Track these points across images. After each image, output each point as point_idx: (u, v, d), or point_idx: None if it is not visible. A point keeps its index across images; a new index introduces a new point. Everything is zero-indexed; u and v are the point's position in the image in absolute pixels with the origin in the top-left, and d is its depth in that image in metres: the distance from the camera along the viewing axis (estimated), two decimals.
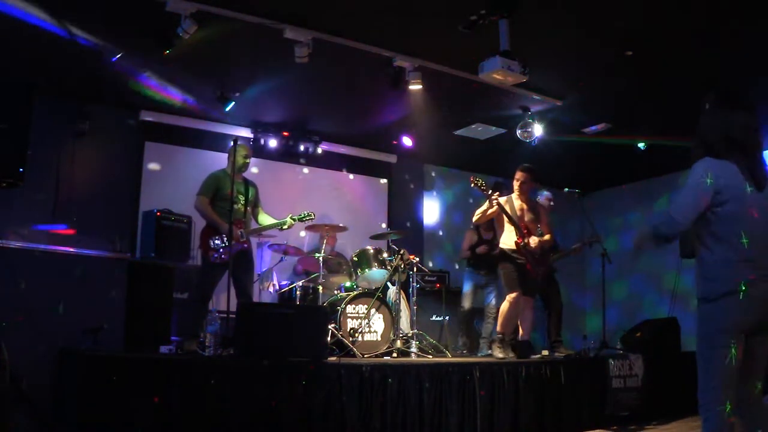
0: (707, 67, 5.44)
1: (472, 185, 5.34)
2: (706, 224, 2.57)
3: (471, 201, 8.78)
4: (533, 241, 5.39)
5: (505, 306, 5.37)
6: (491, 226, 6.23)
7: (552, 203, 6.64)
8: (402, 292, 5.98)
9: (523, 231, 5.38)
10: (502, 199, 5.39)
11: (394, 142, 7.69)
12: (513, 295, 5.31)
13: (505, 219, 5.42)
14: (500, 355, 5.27)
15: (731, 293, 2.48)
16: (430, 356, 5.45)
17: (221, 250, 4.99)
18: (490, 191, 5.30)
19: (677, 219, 2.55)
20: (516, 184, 5.55)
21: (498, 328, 5.44)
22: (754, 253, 2.51)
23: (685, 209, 2.54)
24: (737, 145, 2.57)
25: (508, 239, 5.44)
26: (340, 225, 6.37)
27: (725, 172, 2.54)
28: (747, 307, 2.47)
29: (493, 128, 7.27)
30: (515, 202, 5.52)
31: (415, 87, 5.61)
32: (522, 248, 5.33)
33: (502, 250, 5.49)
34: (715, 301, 2.52)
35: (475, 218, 5.58)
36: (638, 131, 7.20)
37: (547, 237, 5.55)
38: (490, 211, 5.37)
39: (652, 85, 5.91)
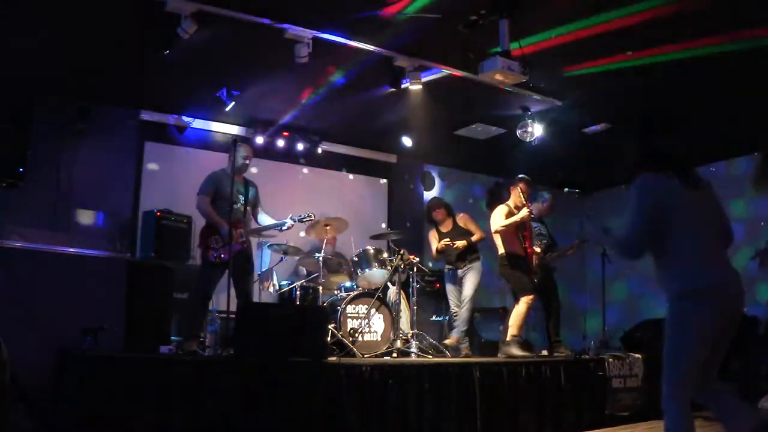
0: (707, 67, 5.45)
1: (520, 194, 5.66)
2: (658, 233, 2.67)
3: (471, 201, 8.79)
4: (537, 249, 5.83)
5: (522, 308, 5.57)
6: (449, 216, 6.27)
7: (551, 204, 6.64)
8: (402, 292, 5.98)
9: (528, 240, 5.68)
10: (505, 208, 5.71)
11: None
12: (529, 297, 5.59)
13: (515, 227, 5.65)
14: (521, 353, 5.39)
15: (700, 292, 2.57)
16: (430, 356, 5.45)
17: (221, 249, 4.99)
18: (527, 207, 5.61)
19: (632, 253, 2.70)
20: (524, 196, 5.71)
21: (514, 331, 5.55)
22: (710, 252, 2.65)
23: (637, 240, 2.69)
24: (667, 158, 2.79)
25: (516, 246, 5.68)
26: (339, 217, 6.38)
27: (661, 182, 2.73)
28: (714, 311, 2.57)
29: (493, 128, 7.28)
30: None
31: (415, 87, 5.61)
32: (530, 256, 5.67)
33: (512, 254, 5.67)
34: (685, 298, 2.60)
35: (501, 227, 5.65)
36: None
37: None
38: (521, 221, 5.62)
39: (652, 86, 5.91)
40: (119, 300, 4.69)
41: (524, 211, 5.61)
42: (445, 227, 6.23)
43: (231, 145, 5.23)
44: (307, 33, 4.96)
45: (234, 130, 7.06)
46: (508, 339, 5.60)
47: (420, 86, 5.60)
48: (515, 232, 5.69)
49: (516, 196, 5.77)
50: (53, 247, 4.50)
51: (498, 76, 4.67)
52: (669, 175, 2.73)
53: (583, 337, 7.73)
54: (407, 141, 7.52)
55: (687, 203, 2.69)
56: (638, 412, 5.55)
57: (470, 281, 6.01)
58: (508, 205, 5.78)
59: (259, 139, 7.21)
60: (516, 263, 5.64)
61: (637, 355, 5.78)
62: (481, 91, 5.90)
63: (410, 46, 5.35)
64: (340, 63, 5.55)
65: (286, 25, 4.87)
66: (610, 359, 5.55)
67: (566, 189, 6.79)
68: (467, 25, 4.78)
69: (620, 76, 5.69)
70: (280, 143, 7.35)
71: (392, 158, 8.36)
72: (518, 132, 6.68)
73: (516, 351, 5.40)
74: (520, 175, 5.88)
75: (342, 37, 5.12)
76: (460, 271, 6.12)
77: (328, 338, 4.88)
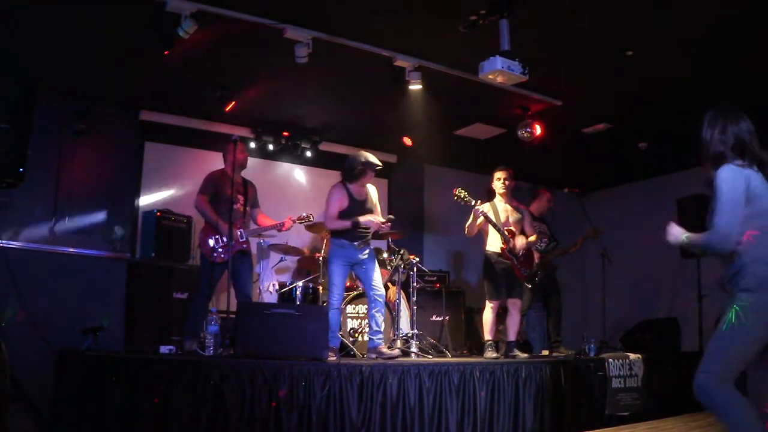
0: (707, 68, 5.45)
1: (456, 199, 5.24)
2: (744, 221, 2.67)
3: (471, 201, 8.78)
4: (519, 242, 5.42)
5: (487, 314, 5.45)
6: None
7: (551, 203, 6.63)
8: (402, 292, 5.98)
9: (508, 236, 5.40)
10: (486, 206, 5.41)
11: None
12: (493, 303, 5.41)
13: (490, 225, 5.42)
14: (493, 355, 5.29)
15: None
16: (430, 356, 5.45)
17: (220, 249, 4.99)
18: (473, 202, 5.27)
19: (731, 233, 2.65)
20: (498, 183, 5.56)
21: (487, 336, 5.47)
22: None
23: (733, 222, 2.65)
24: (747, 148, 2.77)
25: (493, 243, 5.46)
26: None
27: (746, 172, 2.72)
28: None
29: (493, 128, 7.27)
30: (499, 204, 5.54)
31: (415, 87, 5.61)
32: (507, 253, 5.38)
33: (487, 254, 5.50)
34: (756, 291, 2.60)
35: (466, 231, 5.56)
36: (638, 131, 7.21)
37: (532, 238, 5.59)
38: (478, 221, 5.38)
39: (652, 85, 5.91)
40: (119, 300, 4.70)
41: (472, 215, 5.33)
42: (360, 196, 5.09)
43: (230, 145, 5.22)
44: (307, 33, 4.96)
45: (234, 130, 7.05)
46: (483, 341, 5.57)
47: (420, 86, 5.60)
48: (489, 228, 5.44)
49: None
50: (53, 247, 4.50)
51: (498, 76, 4.66)
52: (749, 163, 2.75)
53: (583, 337, 7.73)
54: (407, 141, 7.52)
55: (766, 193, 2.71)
56: (638, 412, 5.56)
57: (376, 271, 5.08)
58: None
59: (259, 139, 7.22)
60: (488, 264, 5.47)
61: (637, 355, 5.78)
62: (481, 91, 5.89)
63: (410, 46, 5.35)
64: (340, 63, 5.55)
65: (286, 25, 4.87)
66: (610, 359, 5.55)
67: (566, 189, 6.80)
68: (467, 25, 4.78)
69: (620, 76, 5.70)
70: (280, 143, 7.35)
71: (392, 158, 8.35)
72: (518, 132, 6.68)
73: (488, 354, 5.31)
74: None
75: (342, 37, 5.12)
76: (360, 255, 5.02)
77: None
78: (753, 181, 2.71)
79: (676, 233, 2.90)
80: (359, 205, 5.04)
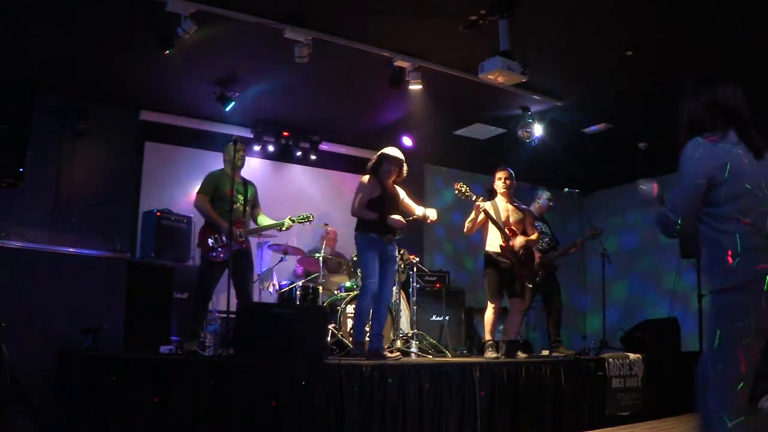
0: (707, 68, 5.45)
1: (456, 192, 5.23)
2: (708, 208, 2.35)
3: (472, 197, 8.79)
4: (518, 241, 5.37)
5: (488, 313, 5.39)
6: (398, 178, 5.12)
7: (551, 203, 6.63)
8: (402, 292, 5.98)
9: (508, 234, 5.35)
10: (488, 204, 5.37)
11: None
12: (494, 303, 5.35)
13: (491, 223, 5.37)
14: (493, 355, 5.26)
15: (751, 283, 2.21)
16: (430, 356, 5.45)
17: (219, 249, 4.98)
18: (474, 198, 5.25)
19: (673, 218, 2.36)
20: (500, 183, 5.52)
21: (487, 336, 5.42)
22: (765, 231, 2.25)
23: (683, 207, 2.34)
24: (728, 113, 2.38)
25: (493, 242, 5.42)
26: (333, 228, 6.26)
27: (717, 148, 2.33)
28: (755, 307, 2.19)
29: (493, 128, 7.28)
30: (500, 203, 5.50)
31: (415, 87, 5.61)
32: (507, 251, 5.33)
33: (487, 253, 5.45)
34: (732, 291, 2.24)
35: (465, 229, 5.53)
36: (638, 131, 7.21)
37: (533, 237, 5.55)
38: (479, 218, 5.34)
39: (652, 85, 5.91)
40: (119, 300, 4.69)
41: (474, 211, 5.29)
42: (392, 191, 5.04)
43: (229, 144, 5.22)
44: (307, 33, 4.96)
45: (234, 130, 7.06)
46: (483, 341, 5.55)
47: (420, 86, 5.60)
48: (489, 226, 5.39)
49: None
50: (53, 247, 4.49)
51: (498, 76, 4.66)
52: (728, 132, 2.34)
53: (583, 337, 7.73)
54: (407, 141, 7.53)
55: (742, 172, 2.29)
56: (638, 412, 5.56)
57: (393, 275, 5.10)
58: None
59: (259, 139, 7.22)
60: (490, 263, 5.40)
61: (637, 355, 5.78)
62: (481, 91, 5.89)
63: (410, 46, 5.35)
64: (340, 63, 5.55)
65: (286, 25, 4.87)
66: (610, 359, 5.54)
67: (566, 189, 6.80)
68: (467, 25, 4.78)
69: (620, 76, 5.70)
70: (280, 143, 7.35)
71: None
72: (518, 132, 6.68)
73: (488, 354, 5.27)
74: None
75: (342, 37, 5.12)
76: (389, 251, 4.94)
77: (328, 338, 4.88)
78: (727, 159, 2.29)
79: (648, 193, 2.55)
80: (391, 199, 4.96)
